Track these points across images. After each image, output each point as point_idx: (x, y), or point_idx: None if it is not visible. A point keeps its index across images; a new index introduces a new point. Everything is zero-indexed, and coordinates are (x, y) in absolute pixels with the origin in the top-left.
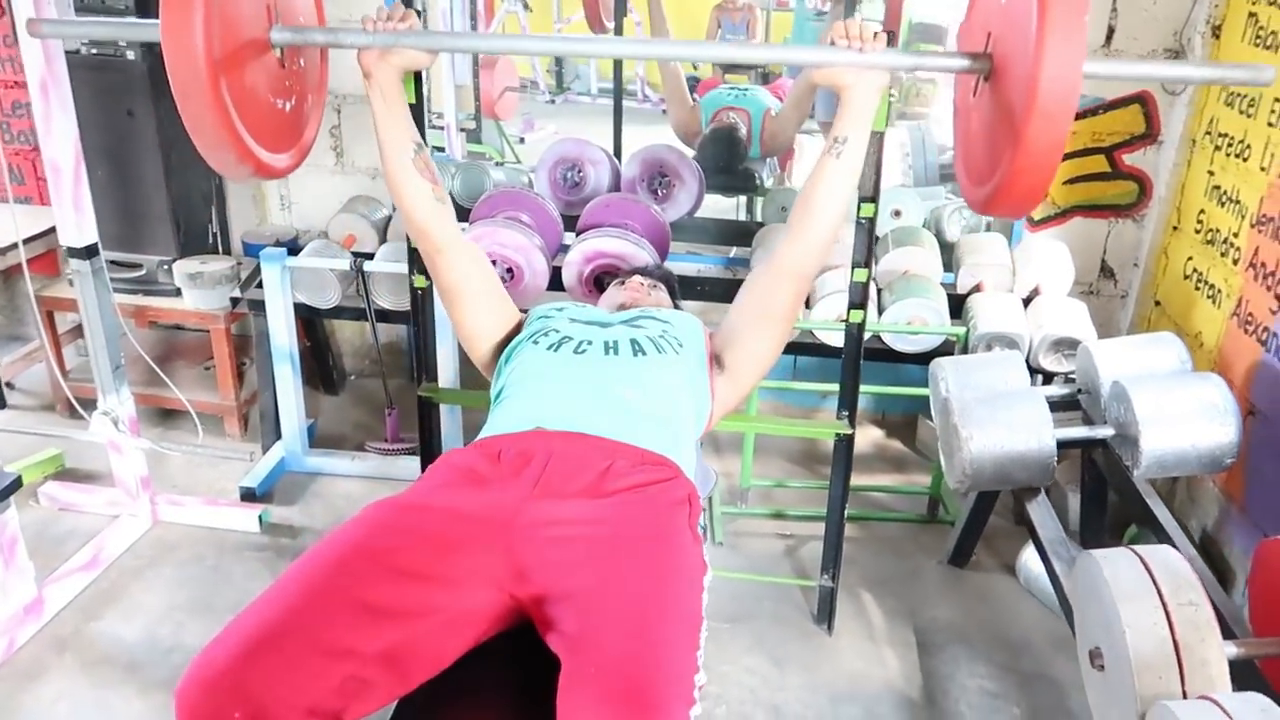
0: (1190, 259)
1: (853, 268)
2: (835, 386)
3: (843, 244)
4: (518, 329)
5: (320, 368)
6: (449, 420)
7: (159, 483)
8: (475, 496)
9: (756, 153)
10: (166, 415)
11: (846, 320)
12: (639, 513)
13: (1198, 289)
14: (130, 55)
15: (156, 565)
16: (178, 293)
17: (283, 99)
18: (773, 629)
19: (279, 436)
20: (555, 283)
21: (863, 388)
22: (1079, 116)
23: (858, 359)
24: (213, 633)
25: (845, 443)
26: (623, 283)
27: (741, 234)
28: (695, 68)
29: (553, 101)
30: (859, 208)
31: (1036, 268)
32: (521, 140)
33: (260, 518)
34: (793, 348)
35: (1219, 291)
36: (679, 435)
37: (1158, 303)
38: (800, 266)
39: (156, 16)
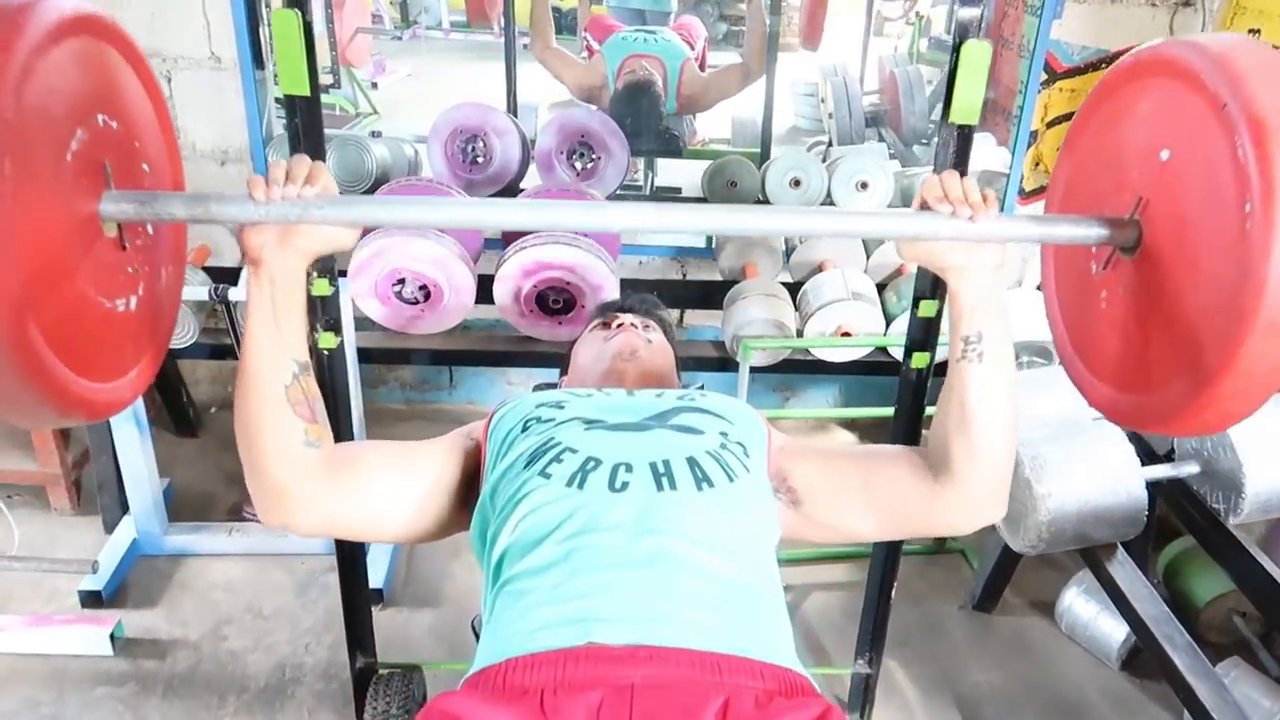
0: None
1: (916, 300)
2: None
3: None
4: (476, 453)
5: (170, 405)
6: None
7: None
8: None
9: (673, 108)
10: None
11: (905, 365)
12: None
13: None
14: None
15: None
16: None
17: (123, 296)
18: None
19: (126, 509)
20: (482, 293)
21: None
22: (1075, 73)
23: (917, 414)
24: None
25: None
26: (607, 324)
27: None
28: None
29: (399, 38)
30: None
31: None
32: (374, 85)
33: (113, 634)
34: (786, 365)
35: None
36: (782, 607)
37: None
38: (960, 509)
39: None
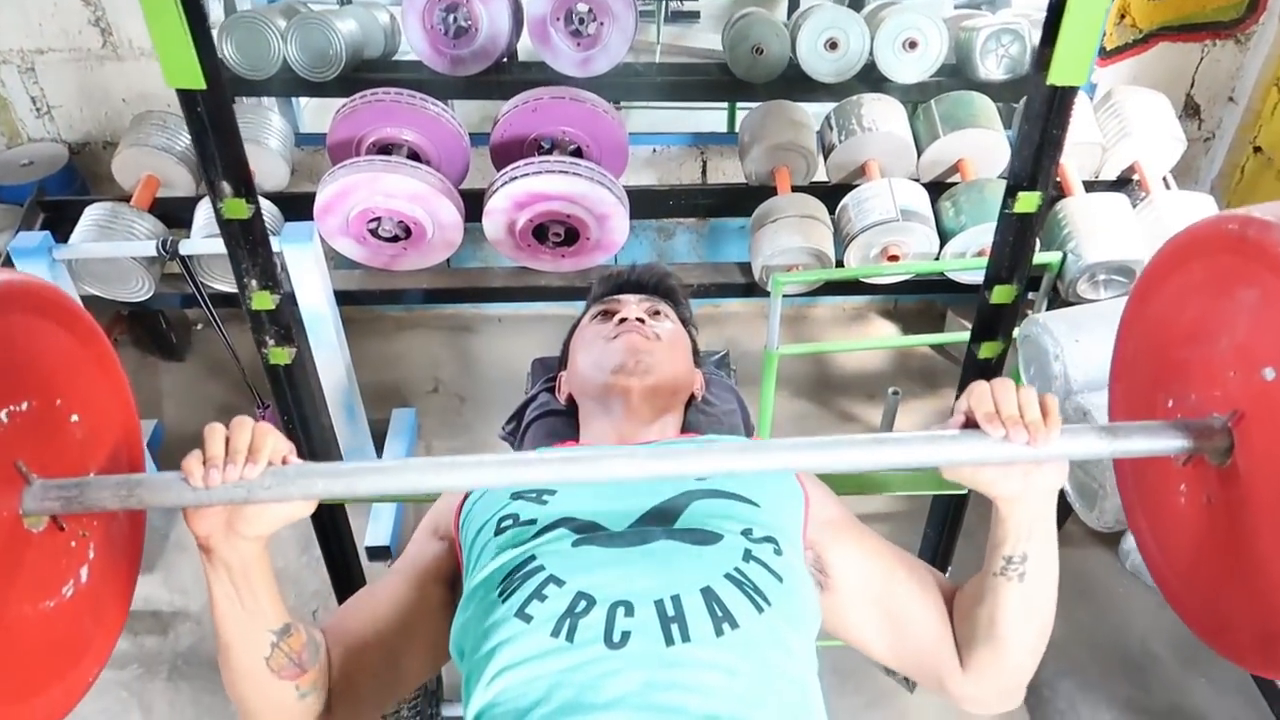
0: None
1: (988, 283)
2: None
3: (881, 132)
4: (452, 551)
5: (151, 331)
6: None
7: None
8: None
9: None
10: None
11: (971, 353)
12: None
13: None
14: None
15: None
16: None
17: (55, 589)
18: (841, 698)
19: None
20: (471, 209)
21: None
22: None
23: None
24: None
25: (953, 504)
26: (609, 313)
27: (708, 87)
28: None
29: None
30: (1014, 198)
31: (1135, 140)
32: None
33: None
34: (824, 288)
35: None
36: None
37: (1258, 149)
38: (975, 696)
39: None
